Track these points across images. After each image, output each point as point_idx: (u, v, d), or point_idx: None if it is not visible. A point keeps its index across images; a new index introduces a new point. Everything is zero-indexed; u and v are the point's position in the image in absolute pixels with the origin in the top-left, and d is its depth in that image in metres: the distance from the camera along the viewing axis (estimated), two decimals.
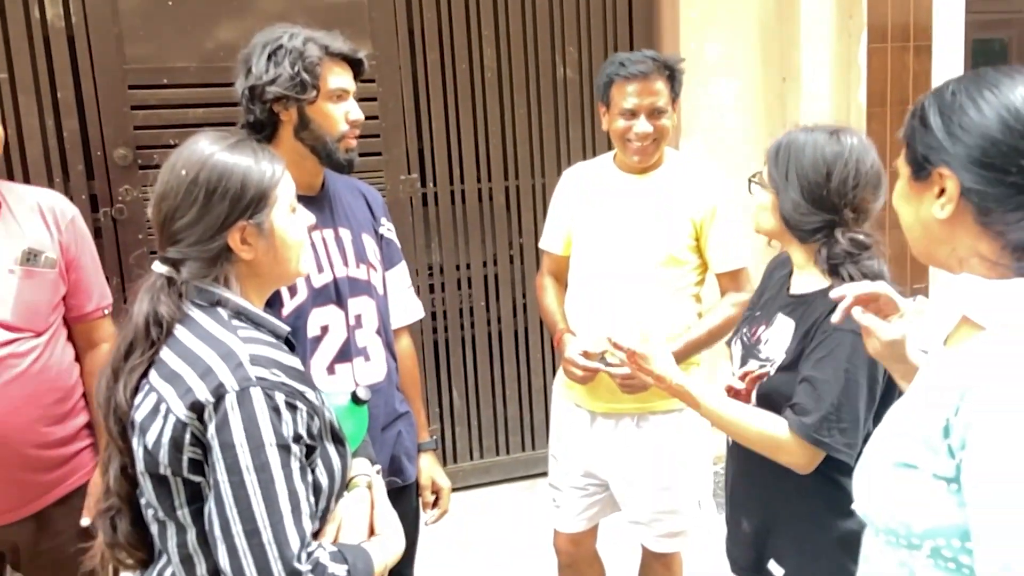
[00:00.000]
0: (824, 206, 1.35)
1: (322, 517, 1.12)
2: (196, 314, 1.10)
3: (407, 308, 1.79)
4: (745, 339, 1.51)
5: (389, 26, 2.94)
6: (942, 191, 0.88)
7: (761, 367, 1.41)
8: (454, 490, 1.86)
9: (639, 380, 1.57)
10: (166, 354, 1.08)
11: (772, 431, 1.36)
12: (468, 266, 3.20)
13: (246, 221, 1.11)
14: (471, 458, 3.33)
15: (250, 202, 1.11)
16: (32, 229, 1.61)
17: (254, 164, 1.13)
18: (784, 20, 3.23)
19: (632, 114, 1.86)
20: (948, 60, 3.31)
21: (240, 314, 1.12)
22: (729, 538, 1.57)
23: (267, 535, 0.99)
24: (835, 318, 1.19)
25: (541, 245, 2.13)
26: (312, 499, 1.07)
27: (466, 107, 3.10)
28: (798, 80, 3.23)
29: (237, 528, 0.99)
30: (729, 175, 3.30)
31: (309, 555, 1.02)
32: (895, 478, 0.86)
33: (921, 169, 0.90)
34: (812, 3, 3.16)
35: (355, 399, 1.30)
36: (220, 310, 1.11)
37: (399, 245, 1.79)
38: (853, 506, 0.96)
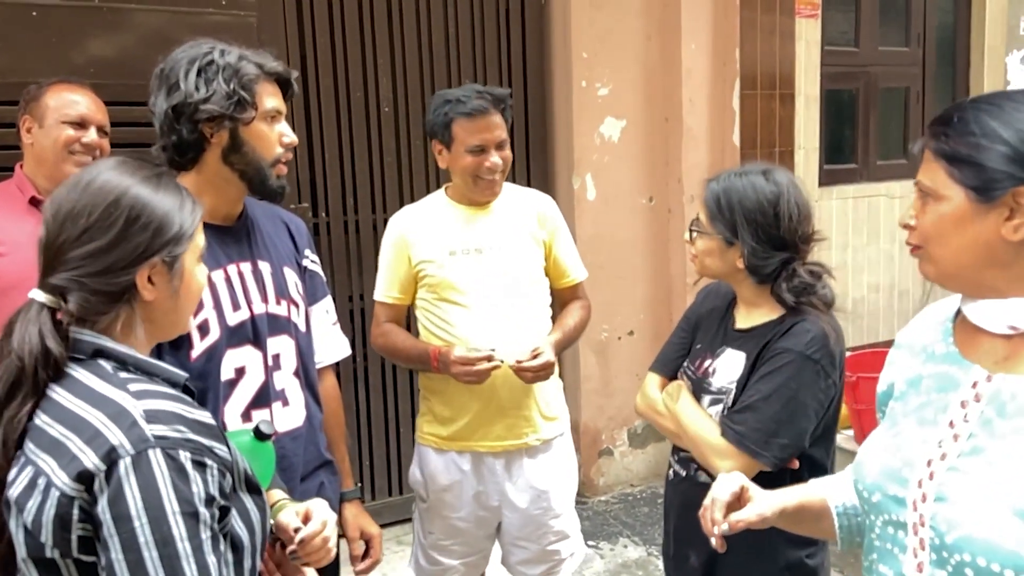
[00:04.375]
0: (780, 245, 1.40)
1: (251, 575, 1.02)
2: (74, 371, 0.97)
3: (333, 345, 1.69)
4: (690, 373, 1.53)
5: (280, 49, 2.81)
6: (1011, 212, 0.85)
7: (715, 400, 1.44)
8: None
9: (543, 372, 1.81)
10: (42, 420, 0.95)
11: (708, 434, 1.40)
12: (361, 297, 3.09)
13: (160, 258, 1.01)
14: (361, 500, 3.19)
15: (171, 239, 1.02)
16: None
17: (180, 200, 1.05)
18: (666, 64, 3.40)
19: (481, 150, 1.90)
20: (807, 108, 3.62)
21: (127, 364, 0.99)
22: (674, 574, 1.57)
23: None
24: (714, 543, 1.06)
25: (379, 297, 2.00)
26: (228, 572, 0.96)
27: (360, 136, 3.02)
28: (679, 120, 3.40)
29: None
30: (617, 207, 3.43)
31: None
32: None
33: (990, 190, 0.85)
34: (691, 49, 3.36)
35: (258, 434, 1.21)
36: (102, 362, 0.98)
37: (324, 278, 1.69)
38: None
